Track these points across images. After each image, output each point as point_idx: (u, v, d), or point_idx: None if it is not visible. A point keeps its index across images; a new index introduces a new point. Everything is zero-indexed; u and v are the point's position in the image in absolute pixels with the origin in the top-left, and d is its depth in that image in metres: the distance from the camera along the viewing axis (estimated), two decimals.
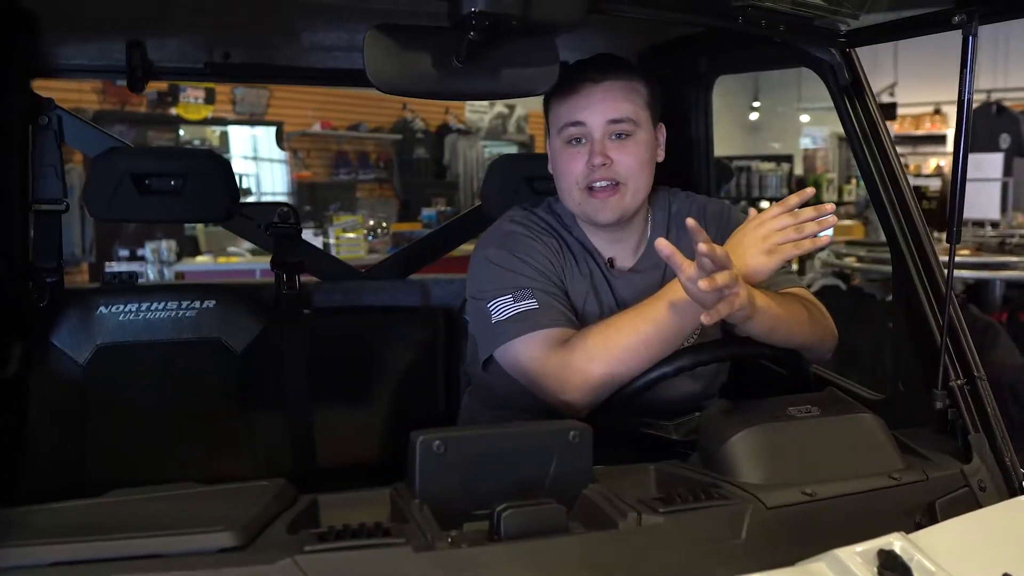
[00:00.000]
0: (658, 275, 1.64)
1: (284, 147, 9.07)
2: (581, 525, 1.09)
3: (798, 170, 9.74)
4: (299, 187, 9.04)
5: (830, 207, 1.42)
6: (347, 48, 1.97)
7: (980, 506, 1.24)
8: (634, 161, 1.59)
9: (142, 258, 5.62)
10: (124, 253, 5.69)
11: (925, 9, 1.37)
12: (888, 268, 4.29)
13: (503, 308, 1.53)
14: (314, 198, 8.86)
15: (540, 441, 1.16)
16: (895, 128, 11.47)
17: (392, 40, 1.28)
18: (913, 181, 6.43)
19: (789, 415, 1.28)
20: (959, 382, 1.37)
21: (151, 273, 5.52)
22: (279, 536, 1.00)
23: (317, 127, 9.17)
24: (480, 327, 1.60)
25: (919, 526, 1.16)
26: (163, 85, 7.21)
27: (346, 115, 9.50)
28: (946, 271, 1.40)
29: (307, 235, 6.04)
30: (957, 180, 1.31)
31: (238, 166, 8.96)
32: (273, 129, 8.87)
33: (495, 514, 1.03)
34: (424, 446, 1.10)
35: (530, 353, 1.50)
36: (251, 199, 7.68)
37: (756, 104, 12.37)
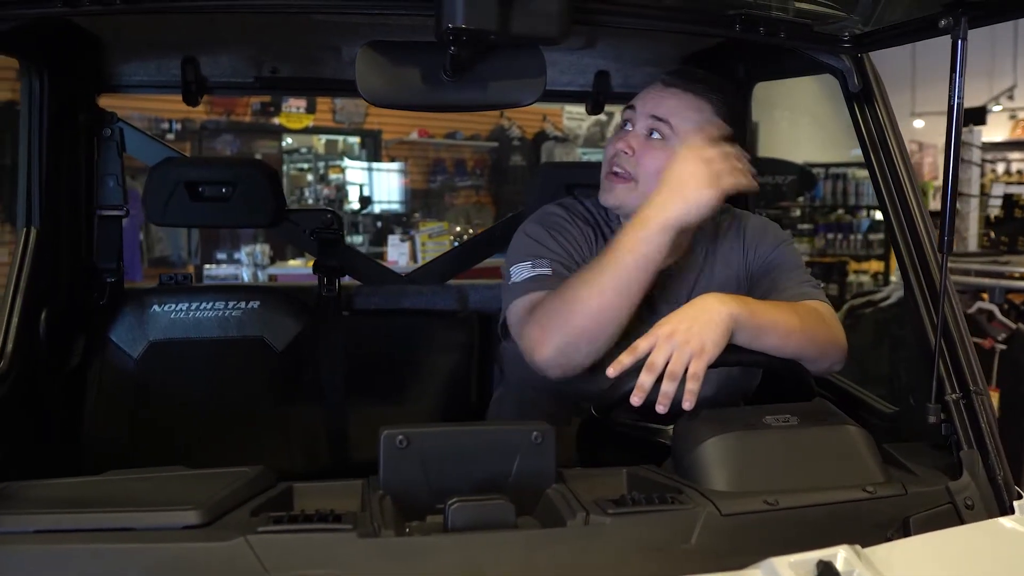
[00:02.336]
0: (692, 276, 1.66)
1: (383, 155, 9.34)
2: (537, 523, 1.13)
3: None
4: (412, 194, 9.34)
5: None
6: None
7: (962, 524, 1.21)
8: (655, 166, 1.57)
9: (238, 261, 5.91)
10: (222, 256, 6.00)
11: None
12: (962, 279, 4.08)
13: (520, 271, 1.59)
14: (428, 205, 9.15)
15: (502, 439, 1.20)
16: (1012, 133, 10.90)
17: (383, 56, 1.35)
18: (1006, 189, 6.08)
19: (764, 424, 1.27)
20: (954, 396, 1.33)
21: (245, 275, 5.80)
22: (242, 518, 1.07)
23: (414, 135, 9.39)
24: (503, 291, 1.65)
25: (890, 541, 1.14)
26: (266, 96, 7.54)
27: (443, 123, 9.70)
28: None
29: (394, 240, 6.24)
30: (948, 188, 1.28)
31: (354, 175, 9.36)
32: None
33: (446, 507, 1.08)
34: (388, 440, 1.16)
35: (523, 313, 1.54)
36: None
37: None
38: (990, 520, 1.20)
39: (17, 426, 1.71)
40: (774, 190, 5.87)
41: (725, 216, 1.75)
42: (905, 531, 1.17)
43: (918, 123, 11.61)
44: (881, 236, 7.17)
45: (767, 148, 9.68)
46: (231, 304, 2.12)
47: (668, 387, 1.32)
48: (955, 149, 1.25)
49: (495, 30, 1.24)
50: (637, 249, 1.43)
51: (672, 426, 1.58)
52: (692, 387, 1.31)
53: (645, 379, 1.33)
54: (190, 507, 1.06)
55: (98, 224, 2.12)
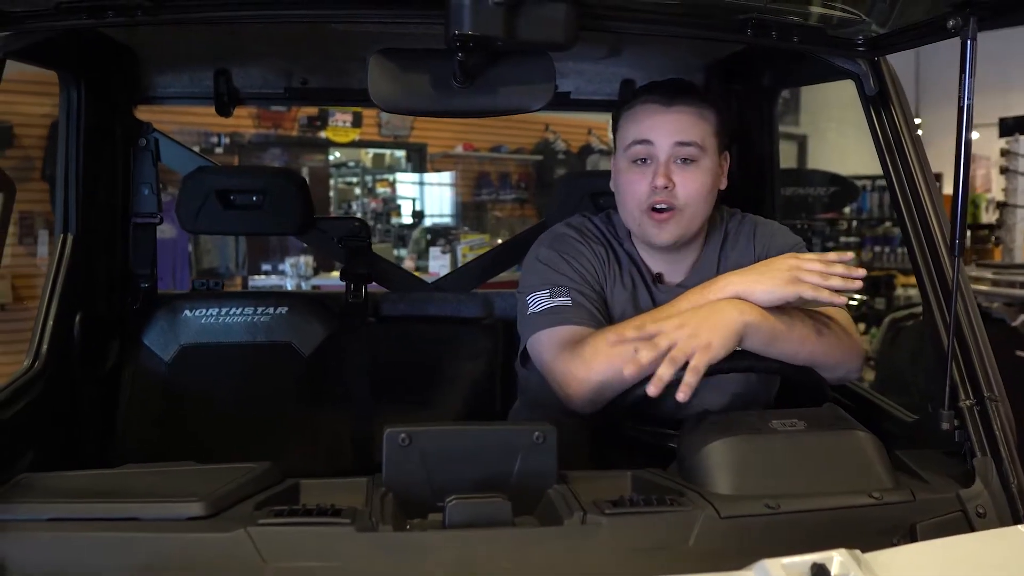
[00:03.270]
0: None
1: (428, 168, 9.43)
2: (535, 521, 1.14)
3: (949, 189, 9.14)
4: (457, 207, 9.43)
5: (860, 271, 1.44)
6: None
7: (972, 532, 1.18)
8: (696, 188, 1.60)
9: (283, 272, 6.03)
10: (267, 267, 6.12)
11: None
12: (1007, 291, 3.98)
13: (539, 301, 1.60)
14: (471, 218, 9.22)
15: (503, 439, 1.21)
16: None
17: (394, 63, 1.38)
18: None
19: (771, 428, 1.27)
20: (968, 402, 1.31)
21: (289, 285, 5.91)
22: (245, 511, 1.10)
23: (459, 149, 9.47)
24: (520, 318, 1.67)
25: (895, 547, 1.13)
26: (313, 110, 7.68)
27: (488, 137, 9.75)
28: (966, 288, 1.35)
29: (435, 252, 6.30)
30: (959, 193, 1.26)
31: (406, 190, 9.49)
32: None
33: (445, 505, 1.10)
34: (391, 438, 1.18)
35: (550, 346, 1.56)
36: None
37: (917, 121, 11.72)
38: (1001, 528, 1.17)
39: (51, 426, 1.77)
40: (816, 202, 5.80)
41: (733, 222, 1.75)
42: (912, 538, 1.15)
43: (974, 135, 11.35)
44: None
45: (815, 160, 9.56)
46: (260, 310, 2.17)
47: (665, 371, 1.33)
48: (965, 152, 1.24)
49: (502, 36, 1.26)
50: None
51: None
52: (690, 380, 1.32)
53: (644, 355, 1.34)
54: (195, 499, 1.09)
55: (133, 231, 2.19)
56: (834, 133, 7.35)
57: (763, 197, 2.22)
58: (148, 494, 1.14)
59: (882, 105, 1.53)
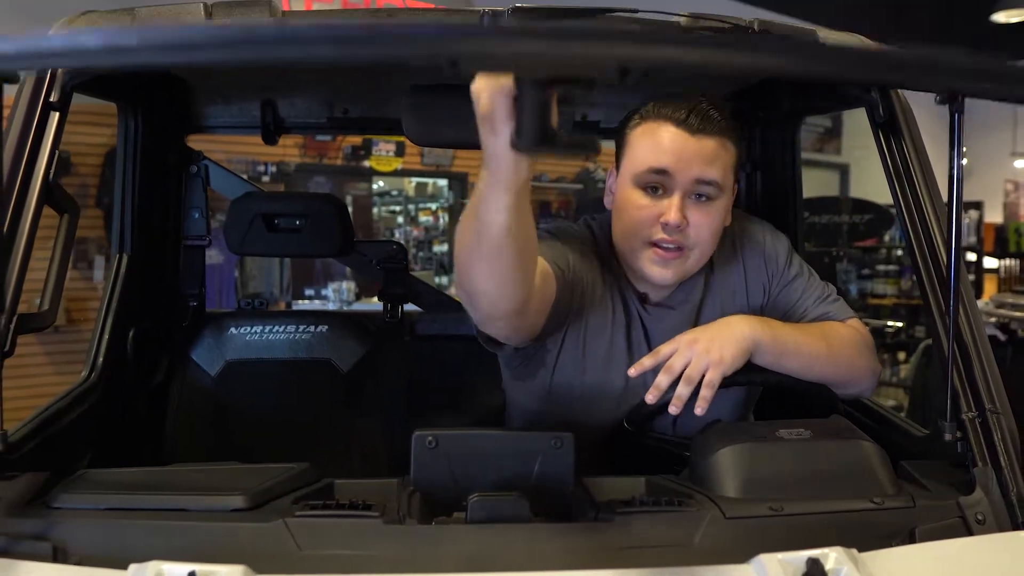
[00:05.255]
0: (690, 309, 1.63)
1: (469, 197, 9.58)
2: (551, 518, 1.22)
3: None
4: None
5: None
6: None
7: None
8: (709, 228, 1.51)
9: (325, 297, 6.18)
10: (310, 292, 6.28)
11: None
12: None
13: None
14: None
15: (523, 444, 1.29)
16: None
17: (425, 98, 1.48)
18: None
19: (778, 436, 1.33)
20: (970, 415, 1.36)
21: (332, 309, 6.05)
22: (284, 504, 1.20)
23: None
24: None
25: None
26: (357, 140, 7.87)
27: None
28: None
29: None
30: (953, 208, 1.32)
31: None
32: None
33: (468, 502, 1.18)
34: (419, 440, 1.27)
35: None
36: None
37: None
38: (998, 535, 1.22)
39: (106, 432, 1.88)
40: (851, 230, 5.81)
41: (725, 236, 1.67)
42: (911, 541, 1.20)
43: (1019, 163, 11.23)
44: (971, 277, 6.98)
45: (857, 188, 9.53)
46: (301, 328, 2.28)
47: (683, 390, 1.40)
48: (957, 208, 1.31)
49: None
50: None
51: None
52: (706, 394, 1.39)
53: (662, 379, 1.41)
54: (238, 493, 1.19)
55: (184, 253, 2.32)
56: (876, 161, 7.34)
57: (786, 224, 2.27)
58: (195, 488, 1.24)
59: (892, 132, 1.60)
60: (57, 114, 1.44)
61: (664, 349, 1.46)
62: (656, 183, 1.50)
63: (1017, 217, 9.71)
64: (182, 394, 2.24)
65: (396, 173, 8.81)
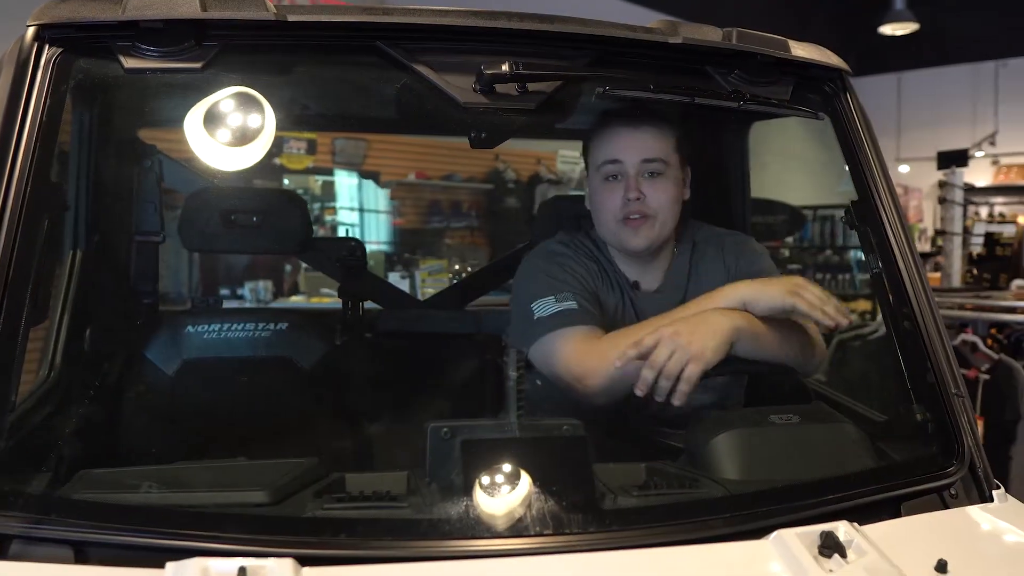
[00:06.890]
0: (679, 296, 1.82)
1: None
2: (568, 503, 1.26)
3: None
4: (401, 234, 9.51)
5: (848, 319, 1.63)
6: None
7: (947, 509, 1.34)
8: (664, 197, 1.79)
9: (241, 296, 6.04)
10: (225, 292, 6.11)
11: None
12: (947, 312, 4.21)
13: (545, 307, 1.71)
14: (414, 244, 9.31)
15: (536, 432, 1.33)
16: (995, 179, 11.19)
17: None
18: (988, 228, 6.33)
19: (770, 422, 1.42)
20: (937, 397, 1.47)
21: None
22: (306, 498, 1.21)
23: (412, 177, 9.58)
24: (520, 326, 1.76)
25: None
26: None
27: (440, 165, 9.88)
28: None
29: (394, 278, 6.37)
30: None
31: (345, 216, 9.51)
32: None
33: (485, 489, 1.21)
34: (434, 432, 1.29)
35: (563, 345, 1.66)
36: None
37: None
38: (970, 507, 1.34)
39: (70, 432, 1.82)
40: (767, 229, 6.06)
41: (700, 234, 1.92)
42: (896, 514, 1.31)
43: (903, 168, 11.92)
44: (867, 276, 7.35)
45: (757, 191, 9.91)
46: (260, 326, 2.25)
47: (664, 384, 1.46)
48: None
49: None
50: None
51: (682, 430, 1.73)
52: (684, 389, 1.46)
53: (647, 374, 1.47)
54: (259, 488, 1.19)
55: (137, 249, 2.25)
56: (777, 166, 7.67)
57: (736, 222, 2.39)
58: (217, 484, 1.23)
59: (849, 128, 1.67)
60: None
61: (647, 340, 1.51)
62: (613, 172, 1.79)
63: (907, 220, 10.28)
64: (139, 393, 2.17)
65: (308, 171, 8.68)
